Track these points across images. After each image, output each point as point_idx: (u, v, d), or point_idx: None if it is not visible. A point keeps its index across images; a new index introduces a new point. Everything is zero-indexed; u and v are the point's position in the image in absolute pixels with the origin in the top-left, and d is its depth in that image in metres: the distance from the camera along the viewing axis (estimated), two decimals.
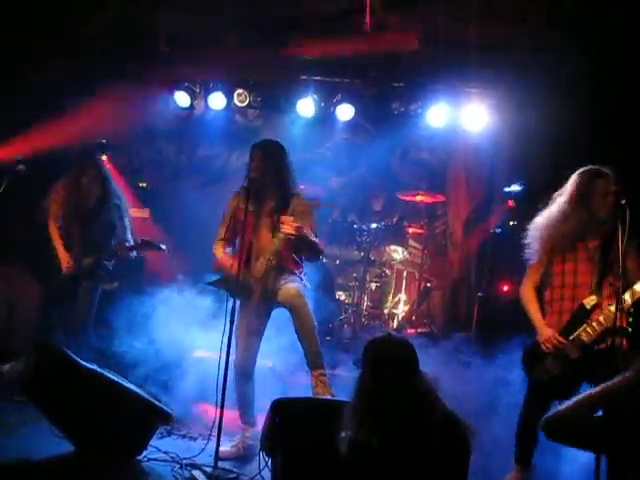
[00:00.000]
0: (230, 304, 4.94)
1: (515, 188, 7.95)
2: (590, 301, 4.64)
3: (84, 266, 6.58)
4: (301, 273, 5.55)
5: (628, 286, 4.56)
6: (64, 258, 6.55)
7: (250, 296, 5.34)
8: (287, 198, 5.41)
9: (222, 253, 5.54)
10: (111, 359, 6.01)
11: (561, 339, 4.69)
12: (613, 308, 4.46)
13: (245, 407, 5.46)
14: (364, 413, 3.40)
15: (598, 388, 3.16)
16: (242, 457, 5.29)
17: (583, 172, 4.85)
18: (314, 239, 5.40)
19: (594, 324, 4.60)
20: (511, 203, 8.12)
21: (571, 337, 4.67)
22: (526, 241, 5.05)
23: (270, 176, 5.37)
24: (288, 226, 5.09)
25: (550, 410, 4.61)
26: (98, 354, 5.85)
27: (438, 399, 3.40)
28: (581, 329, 4.64)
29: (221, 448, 4.92)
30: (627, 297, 4.52)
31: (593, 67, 7.08)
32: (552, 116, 7.36)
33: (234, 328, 4.98)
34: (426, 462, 3.27)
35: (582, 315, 4.66)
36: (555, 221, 4.88)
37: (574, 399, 3.21)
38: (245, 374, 5.35)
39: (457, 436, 3.37)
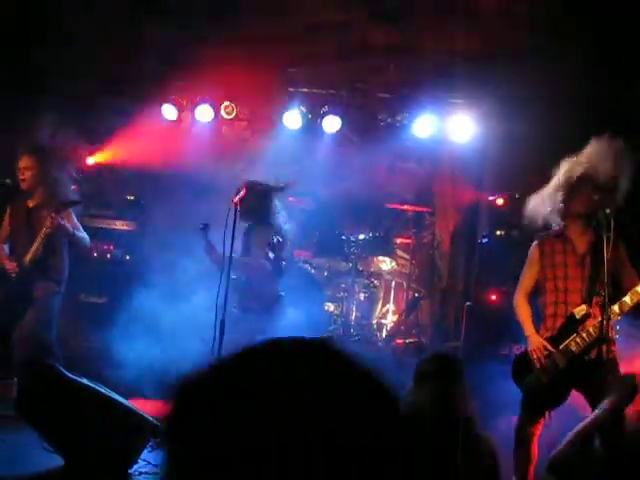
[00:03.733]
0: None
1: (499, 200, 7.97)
2: (580, 311, 4.64)
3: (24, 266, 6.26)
4: None
5: (621, 294, 4.61)
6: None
7: None
8: None
9: None
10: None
11: (550, 347, 4.72)
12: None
13: None
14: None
15: (586, 421, 3.22)
16: None
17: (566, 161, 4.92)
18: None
19: (584, 334, 4.61)
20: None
21: (561, 346, 4.70)
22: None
23: None
24: None
25: (543, 420, 4.69)
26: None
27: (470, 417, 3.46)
28: (571, 339, 4.66)
29: None
30: (616, 308, 4.55)
31: (580, 75, 7.12)
32: (539, 125, 7.40)
33: None
34: (453, 474, 3.31)
35: (572, 324, 4.67)
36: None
37: (567, 436, 3.28)
38: None
39: (487, 454, 3.43)
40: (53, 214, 6.06)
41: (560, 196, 4.83)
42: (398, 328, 8.78)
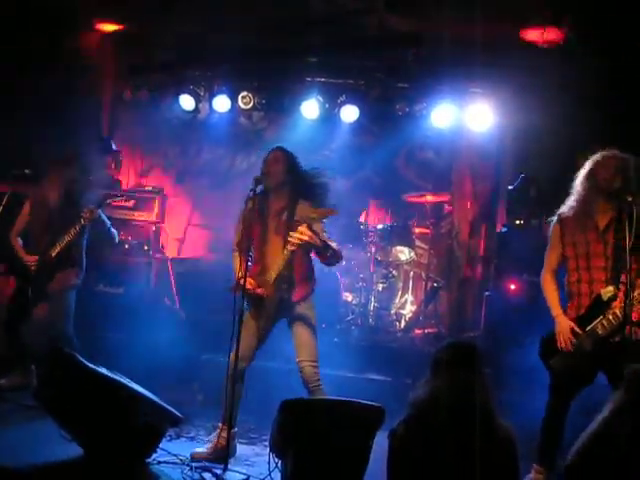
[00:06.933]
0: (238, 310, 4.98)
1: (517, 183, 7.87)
2: (607, 292, 4.56)
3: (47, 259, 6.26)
4: (314, 285, 5.46)
5: None
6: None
7: (260, 304, 5.25)
8: (295, 202, 5.36)
9: (237, 264, 5.38)
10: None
11: (576, 330, 4.66)
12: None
13: (230, 406, 5.23)
14: (412, 410, 3.50)
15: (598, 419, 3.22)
16: (216, 458, 5.05)
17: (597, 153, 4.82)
18: (332, 243, 5.33)
19: (610, 317, 4.53)
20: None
21: (587, 329, 4.62)
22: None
23: (283, 179, 5.37)
24: (301, 235, 5.01)
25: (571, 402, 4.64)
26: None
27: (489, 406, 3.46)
28: (597, 321, 4.58)
29: (196, 450, 5.12)
30: (637, 294, 4.49)
31: (600, 65, 7.06)
32: (558, 115, 7.35)
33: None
34: (471, 461, 3.29)
35: (599, 306, 4.59)
36: (569, 203, 4.85)
37: (581, 438, 3.26)
38: (239, 374, 5.21)
39: (505, 441, 3.42)
40: (93, 207, 6.05)
41: (587, 175, 4.75)
42: (417, 318, 8.74)
